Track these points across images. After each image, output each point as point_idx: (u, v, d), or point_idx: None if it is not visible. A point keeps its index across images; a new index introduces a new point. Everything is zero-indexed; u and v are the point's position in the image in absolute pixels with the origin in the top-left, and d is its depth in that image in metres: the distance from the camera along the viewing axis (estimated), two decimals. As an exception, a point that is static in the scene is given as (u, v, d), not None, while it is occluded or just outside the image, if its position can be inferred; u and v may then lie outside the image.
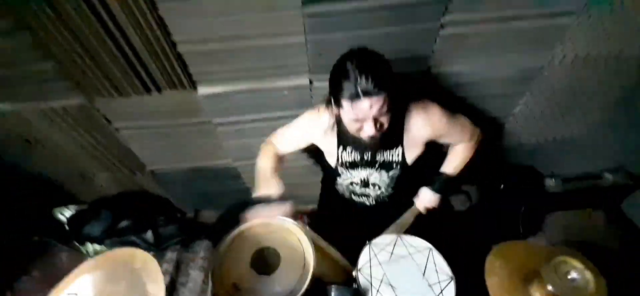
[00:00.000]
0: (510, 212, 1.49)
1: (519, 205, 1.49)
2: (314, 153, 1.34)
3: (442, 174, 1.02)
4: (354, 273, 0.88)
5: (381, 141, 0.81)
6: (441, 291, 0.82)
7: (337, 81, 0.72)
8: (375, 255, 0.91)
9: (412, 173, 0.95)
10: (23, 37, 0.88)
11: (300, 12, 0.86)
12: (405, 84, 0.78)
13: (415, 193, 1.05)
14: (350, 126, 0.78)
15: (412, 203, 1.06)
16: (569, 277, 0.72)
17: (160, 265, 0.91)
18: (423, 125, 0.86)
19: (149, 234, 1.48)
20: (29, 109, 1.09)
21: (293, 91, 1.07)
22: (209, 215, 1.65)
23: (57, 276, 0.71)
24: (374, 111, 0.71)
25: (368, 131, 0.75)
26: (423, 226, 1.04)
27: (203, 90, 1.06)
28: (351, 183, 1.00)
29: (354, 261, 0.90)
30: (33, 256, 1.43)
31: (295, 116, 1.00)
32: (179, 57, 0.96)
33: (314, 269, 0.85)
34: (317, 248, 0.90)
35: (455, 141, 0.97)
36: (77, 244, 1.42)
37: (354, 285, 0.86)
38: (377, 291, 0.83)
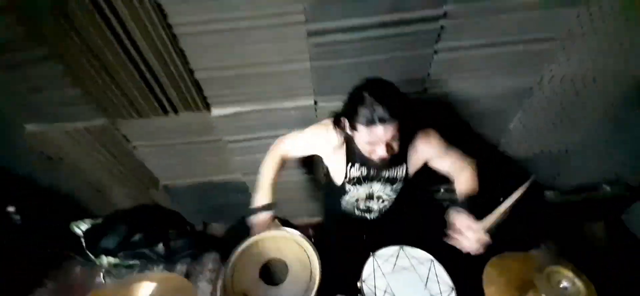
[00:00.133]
0: (511, 224, 1.54)
1: (519, 217, 1.54)
2: (313, 168, 1.43)
3: (461, 200, 1.00)
4: (358, 284, 0.94)
5: (389, 160, 0.89)
6: (443, 301, 0.88)
7: (354, 106, 0.80)
8: (379, 267, 0.98)
9: (412, 185, 1.03)
10: (55, 66, 0.99)
11: (305, 42, 0.96)
12: (415, 109, 0.86)
13: (414, 203, 1.11)
14: (363, 148, 0.86)
15: (411, 217, 1.12)
16: (561, 286, 0.78)
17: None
18: (425, 146, 0.95)
19: (160, 247, 1.56)
20: (54, 130, 1.20)
21: (299, 110, 1.17)
22: (218, 228, 1.72)
23: (71, 287, 0.78)
24: (388, 136, 0.79)
25: (380, 153, 0.83)
26: (425, 239, 1.09)
27: (216, 111, 1.16)
28: (357, 199, 1.07)
29: (358, 273, 0.96)
30: (48, 268, 1.51)
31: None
32: (196, 82, 1.06)
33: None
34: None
35: (452, 168, 1.02)
36: (92, 256, 1.50)
37: (359, 296, 0.91)
38: (381, 301, 0.88)
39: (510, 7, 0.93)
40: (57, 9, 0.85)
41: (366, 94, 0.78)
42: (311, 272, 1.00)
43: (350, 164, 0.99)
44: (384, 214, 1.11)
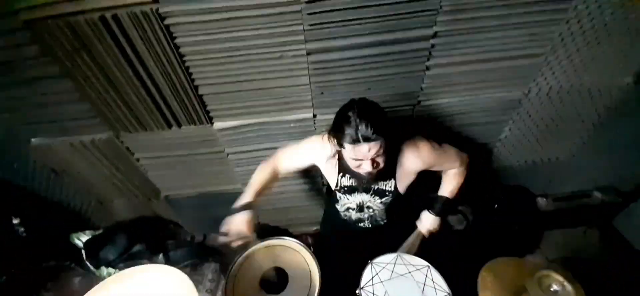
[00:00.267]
0: (505, 231, 1.60)
1: (513, 224, 1.60)
2: (314, 179, 1.48)
3: (439, 198, 1.13)
4: (357, 292, 0.98)
5: (376, 176, 0.95)
6: (439, 307, 0.92)
7: (340, 126, 0.85)
8: (377, 274, 1.02)
9: (404, 199, 1.07)
10: (65, 82, 1.05)
11: (305, 60, 1.03)
12: (398, 127, 0.92)
13: (407, 215, 1.17)
14: (350, 163, 0.91)
15: (406, 225, 1.17)
16: (552, 289, 0.82)
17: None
18: (414, 159, 1.00)
19: (160, 258, 1.59)
20: (59, 143, 1.25)
21: (298, 123, 1.23)
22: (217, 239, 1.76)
23: None
24: (372, 153, 0.84)
25: (366, 168, 0.88)
26: (422, 246, 1.14)
27: (219, 124, 1.22)
28: (348, 208, 1.13)
29: (356, 281, 1.01)
30: (47, 279, 1.53)
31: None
32: (200, 97, 1.13)
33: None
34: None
35: (446, 168, 1.10)
36: (92, 267, 1.52)
37: (358, 302, 0.96)
38: (380, 308, 0.92)
39: (496, 27, 1.01)
40: (69, 30, 0.91)
41: (351, 114, 0.83)
42: (311, 280, 1.04)
43: (341, 174, 1.05)
44: (376, 224, 1.16)
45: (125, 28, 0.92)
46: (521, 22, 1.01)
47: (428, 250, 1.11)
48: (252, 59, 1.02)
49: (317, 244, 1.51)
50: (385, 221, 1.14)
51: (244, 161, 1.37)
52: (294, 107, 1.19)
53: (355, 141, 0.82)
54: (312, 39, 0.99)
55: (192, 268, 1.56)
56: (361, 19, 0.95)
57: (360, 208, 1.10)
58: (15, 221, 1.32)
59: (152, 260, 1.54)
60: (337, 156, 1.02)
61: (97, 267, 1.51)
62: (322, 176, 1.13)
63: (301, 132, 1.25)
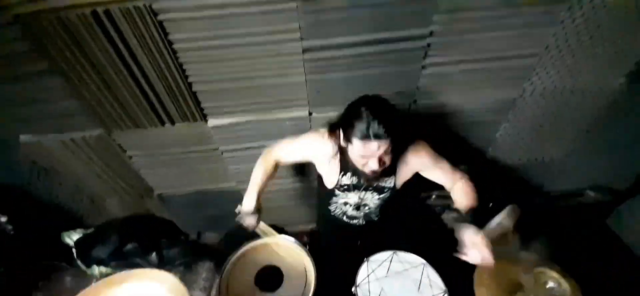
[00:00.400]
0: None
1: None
2: (310, 177, 1.50)
3: (461, 212, 1.04)
4: (353, 289, 1.00)
5: (380, 173, 0.95)
6: (435, 304, 0.94)
7: (351, 120, 0.84)
8: (373, 271, 1.04)
9: (397, 197, 1.10)
10: (55, 78, 1.05)
11: (301, 57, 1.05)
12: (408, 127, 0.93)
13: (399, 212, 1.18)
14: (356, 161, 0.91)
15: (399, 221, 1.19)
16: (548, 286, 0.85)
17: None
18: (415, 158, 1.01)
19: (154, 257, 1.59)
20: (49, 140, 1.24)
21: (294, 121, 1.25)
22: (212, 237, 1.77)
23: None
24: (381, 151, 0.84)
25: (372, 166, 0.88)
26: (418, 244, 1.16)
27: (213, 122, 1.23)
28: (345, 204, 1.14)
29: (353, 278, 1.02)
30: (38, 278, 1.53)
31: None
32: (194, 95, 1.13)
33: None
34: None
35: (444, 180, 1.07)
36: (83, 266, 1.52)
37: (353, 300, 0.98)
38: (375, 305, 0.95)
39: (491, 27, 1.03)
40: (61, 24, 0.91)
41: (364, 110, 0.83)
42: (306, 278, 1.06)
43: (342, 173, 1.05)
44: (369, 220, 1.17)
45: (117, 23, 0.92)
46: (516, 22, 1.03)
47: (424, 247, 1.12)
48: (247, 56, 1.03)
49: (313, 242, 1.52)
50: (378, 217, 1.16)
51: (239, 159, 1.38)
52: (290, 105, 1.20)
53: (365, 137, 0.82)
54: (309, 37, 1.00)
55: (186, 267, 1.57)
56: (357, 17, 0.96)
57: (358, 206, 1.12)
58: (3, 219, 1.32)
59: (144, 258, 1.54)
60: (338, 155, 1.02)
61: (89, 266, 1.51)
62: (316, 173, 1.14)
63: (296, 130, 1.25)
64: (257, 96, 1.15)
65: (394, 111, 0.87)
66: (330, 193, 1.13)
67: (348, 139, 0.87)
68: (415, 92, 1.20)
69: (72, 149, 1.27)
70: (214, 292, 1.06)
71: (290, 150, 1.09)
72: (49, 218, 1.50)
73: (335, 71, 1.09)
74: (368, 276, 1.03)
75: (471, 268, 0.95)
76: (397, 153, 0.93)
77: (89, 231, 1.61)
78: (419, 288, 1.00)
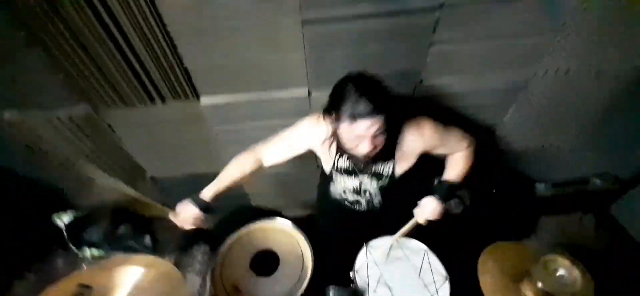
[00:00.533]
0: (503, 215, 1.63)
1: (511, 209, 1.63)
2: (309, 161, 1.46)
3: (444, 182, 1.07)
4: (351, 274, 0.99)
5: (374, 157, 0.91)
6: (436, 291, 0.94)
7: (338, 101, 0.82)
8: (372, 256, 1.03)
9: (399, 185, 1.05)
10: (35, 51, 0.99)
11: (300, 31, 0.98)
12: (400, 105, 0.88)
13: (404, 200, 1.16)
14: (348, 143, 0.87)
15: (403, 209, 1.17)
16: (558, 274, 0.83)
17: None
18: (415, 140, 0.96)
19: (147, 239, 1.59)
20: (34, 117, 1.19)
21: (292, 101, 1.19)
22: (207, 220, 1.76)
23: (52, 280, 0.79)
24: (371, 131, 0.80)
25: (363, 149, 0.84)
26: (419, 229, 1.15)
27: (206, 100, 1.18)
28: (344, 190, 1.11)
29: (351, 264, 1.01)
30: (29, 261, 1.52)
31: (294, 123, 1.07)
32: (185, 70, 1.07)
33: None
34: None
35: (451, 151, 1.06)
36: (74, 249, 1.51)
37: (352, 285, 0.97)
38: (374, 291, 0.94)
39: (505, 0, 0.97)
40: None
41: (350, 87, 0.79)
42: (303, 262, 1.05)
43: (339, 154, 1.02)
44: (372, 207, 1.15)
45: (98, -12, 0.86)
46: (532, -5, 0.97)
47: (426, 233, 1.10)
48: (242, 28, 0.96)
49: (311, 227, 1.52)
50: (381, 204, 1.14)
51: (234, 140, 1.34)
52: (288, 84, 1.15)
53: (353, 116, 0.79)
54: (308, 8, 0.94)
55: (181, 250, 1.57)
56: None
57: (358, 190, 1.09)
58: (-11, 200, 1.29)
59: (138, 241, 1.54)
60: (334, 137, 0.98)
61: (80, 248, 1.50)
62: (316, 157, 1.11)
63: (295, 110, 1.21)
64: (253, 73, 1.10)
65: (382, 87, 0.83)
66: (329, 178, 1.10)
67: (338, 121, 0.83)
68: (422, 71, 1.15)
69: (58, 127, 1.23)
70: (209, 275, 1.05)
71: (282, 151, 1.04)
72: (37, 199, 1.47)
73: (337, 47, 1.03)
74: (367, 261, 1.02)
75: (473, 255, 0.93)
76: (392, 134, 0.89)
77: (81, 213, 1.60)
78: (419, 273, 1.00)
